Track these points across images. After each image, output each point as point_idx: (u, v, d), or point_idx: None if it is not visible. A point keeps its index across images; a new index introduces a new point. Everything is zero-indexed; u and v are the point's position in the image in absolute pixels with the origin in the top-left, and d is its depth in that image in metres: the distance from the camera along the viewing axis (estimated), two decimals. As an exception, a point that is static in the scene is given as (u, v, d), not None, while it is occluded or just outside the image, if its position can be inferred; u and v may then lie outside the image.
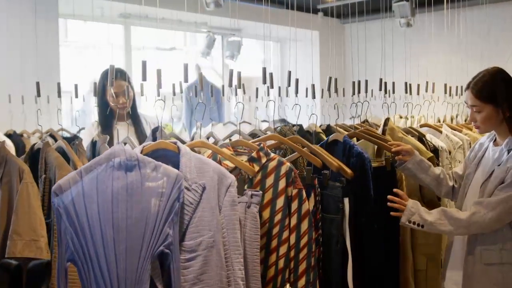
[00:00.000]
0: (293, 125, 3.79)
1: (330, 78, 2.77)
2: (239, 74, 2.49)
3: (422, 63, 6.44)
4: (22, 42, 4.34)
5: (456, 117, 6.10)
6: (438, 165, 2.88)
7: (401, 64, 6.79)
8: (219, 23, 6.45)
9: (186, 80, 2.47)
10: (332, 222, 2.21)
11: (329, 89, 2.79)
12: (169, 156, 1.92)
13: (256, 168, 2.07)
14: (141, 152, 1.87)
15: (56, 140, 3.61)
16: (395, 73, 6.19)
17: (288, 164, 2.07)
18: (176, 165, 1.87)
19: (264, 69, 2.64)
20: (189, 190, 1.85)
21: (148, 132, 3.45)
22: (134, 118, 3.36)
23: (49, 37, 4.66)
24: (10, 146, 3.84)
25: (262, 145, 2.09)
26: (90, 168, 1.74)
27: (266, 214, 2.07)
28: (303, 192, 2.08)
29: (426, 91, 3.91)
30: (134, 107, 3.35)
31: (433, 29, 5.87)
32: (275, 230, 2.07)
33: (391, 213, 2.42)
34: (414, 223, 2.37)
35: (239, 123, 5.65)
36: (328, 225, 2.22)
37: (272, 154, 2.10)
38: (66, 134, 3.83)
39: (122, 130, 3.30)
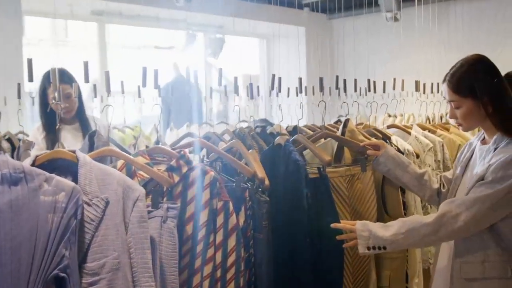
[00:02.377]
0: (257, 127, 3.57)
1: (273, 75, 2.54)
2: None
3: (413, 59, 6.21)
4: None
5: (446, 115, 5.85)
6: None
7: (391, 60, 6.56)
8: (202, 20, 6.24)
9: (86, 81, 2.25)
10: (256, 241, 1.98)
11: (273, 88, 2.56)
12: (69, 166, 1.70)
13: (176, 178, 1.84)
14: (33, 163, 1.65)
15: (12, 144, 3.42)
16: (386, 69, 5.97)
17: (212, 173, 1.84)
18: (76, 177, 1.65)
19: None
20: (89, 205, 1.62)
21: (96, 136, 3.25)
22: (81, 122, 3.14)
23: (12, 35, 4.45)
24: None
25: (183, 152, 1.86)
26: (-36, 182, 1.52)
27: (189, 229, 1.85)
28: (229, 204, 1.85)
29: (394, 88, 3.64)
30: (80, 110, 3.14)
31: (422, 24, 5.62)
32: (199, 247, 1.84)
33: (344, 245, 2.11)
34: (374, 247, 2.01)
35: (215, 124, 5.43)
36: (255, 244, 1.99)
37: (195, 162, 1.87)
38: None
39: (68, 135, 3.10)
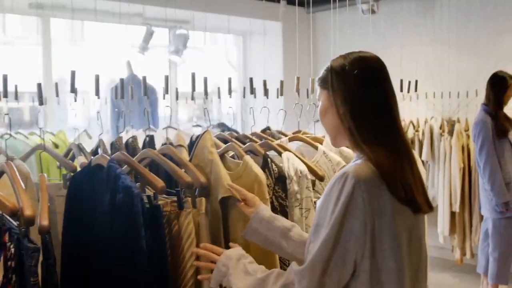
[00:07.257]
0: (147, 136, 3.01)
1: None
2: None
3: (396, 56, 5.57)
4: None
5: (431, 119, 5.26)
6: (287, 197, 1.99)
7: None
8: (165, 15, 5.70)
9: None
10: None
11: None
12: None
13: None
14: None
15: None
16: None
17: None
18: None
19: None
20: None
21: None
22: None
23: None
24: None
25: None
26: None
27: None
28: None
29: (312, 92, 3.00)
30: None
31: (407, 17, 4.98)
32: None
33: (198, 276, 1.70)
34: None
35: (163, 128, 4.87)
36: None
37: None
38: None
39: None
